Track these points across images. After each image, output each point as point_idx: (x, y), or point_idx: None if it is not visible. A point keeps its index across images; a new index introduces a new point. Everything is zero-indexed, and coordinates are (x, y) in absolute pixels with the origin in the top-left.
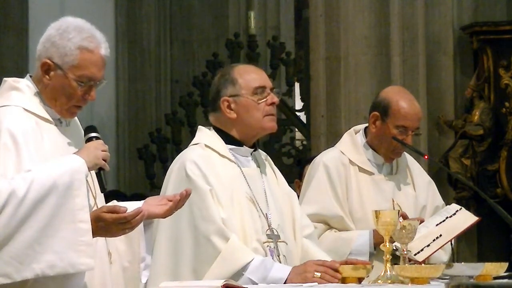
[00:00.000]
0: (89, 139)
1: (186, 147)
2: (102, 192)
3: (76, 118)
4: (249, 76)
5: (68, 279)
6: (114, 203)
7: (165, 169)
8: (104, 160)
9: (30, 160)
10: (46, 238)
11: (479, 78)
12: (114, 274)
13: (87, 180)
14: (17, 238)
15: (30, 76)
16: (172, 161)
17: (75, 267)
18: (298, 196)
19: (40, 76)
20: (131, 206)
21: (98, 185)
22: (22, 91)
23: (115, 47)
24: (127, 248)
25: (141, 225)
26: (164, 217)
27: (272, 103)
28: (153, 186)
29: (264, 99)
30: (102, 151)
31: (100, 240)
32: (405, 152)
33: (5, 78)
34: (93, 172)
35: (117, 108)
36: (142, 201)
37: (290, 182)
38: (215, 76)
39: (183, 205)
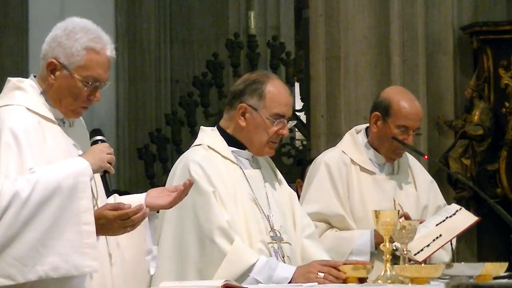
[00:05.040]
0: (94, 142)
1: (186, 147)
2: (107, 195)
3: (81, 118)
4: (276, 100)
5: (68, 281)
6: (115, 196)
7: (165, 169)
8: (109, 163)
9: (32, 159)
10: (50, 240)
11: (479, 78)
12: (115, 276)
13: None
14: (20, 239)
15: (34, 77)
16: (172, 161)
17: (80, 270)
18: (299, 196)
19: (45, 75)
20: (133, 199)
21: (101, 187)
22: (26, 90)
23: (115, 47)
24: (129, 241)
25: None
26: (169, 208)
27: (281, 134)
28: (153, 186)
29: (276, 127)
30: (107, 154)
31: (101, 241)
32: (406, 152)
33: (9, 78)
34: (96, 175)
35: (117, 108)
36: (144, 194)
37: (290, 182)
38: (251, 73)
39: (186, 194)
